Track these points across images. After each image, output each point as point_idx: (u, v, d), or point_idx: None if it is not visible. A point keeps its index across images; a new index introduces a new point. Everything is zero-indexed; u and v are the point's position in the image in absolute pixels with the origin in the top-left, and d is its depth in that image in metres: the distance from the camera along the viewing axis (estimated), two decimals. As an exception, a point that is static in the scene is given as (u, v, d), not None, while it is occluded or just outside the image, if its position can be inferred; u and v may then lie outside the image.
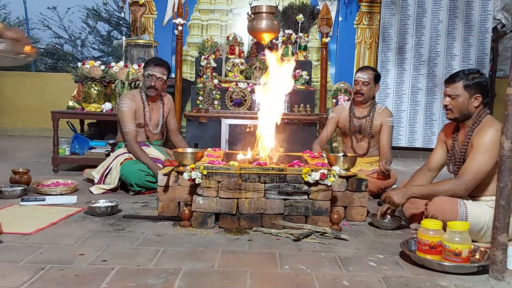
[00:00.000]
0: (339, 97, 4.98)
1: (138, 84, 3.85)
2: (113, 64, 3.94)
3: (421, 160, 5.07)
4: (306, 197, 2.16)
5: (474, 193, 2.05)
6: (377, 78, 3.12)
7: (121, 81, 3.87)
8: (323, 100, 4.32)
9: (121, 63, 3.99)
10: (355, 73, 3.16)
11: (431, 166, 2.31)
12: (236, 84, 4.25)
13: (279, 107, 2.52)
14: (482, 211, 1.97)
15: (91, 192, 2.91)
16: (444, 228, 1.75)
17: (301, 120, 4.13)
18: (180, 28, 4.10)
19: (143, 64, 4.08)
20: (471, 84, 2.03)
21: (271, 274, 1.63)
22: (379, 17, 5.07)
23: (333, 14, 4.87)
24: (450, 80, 2.09)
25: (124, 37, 4.92)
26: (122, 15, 5.60)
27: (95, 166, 3.18)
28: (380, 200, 2.82)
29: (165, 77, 3.13)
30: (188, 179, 2.15)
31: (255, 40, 4.65)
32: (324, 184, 2.16)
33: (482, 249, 1.79)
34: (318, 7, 5.15)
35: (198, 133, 4.05)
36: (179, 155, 2.41)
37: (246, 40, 4.90)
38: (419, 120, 4.99)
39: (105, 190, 2.96)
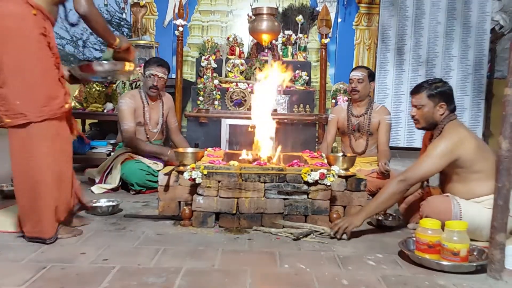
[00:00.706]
0: (338, 97, 4.99)
1: (139, 85, 3.87)
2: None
3: (420, 161, 5.09)
4: (305, 196, 2.18)
5: (469, 195, 2.06)
6: (371, 75, 3.22)
7: (122, 81, 3.88)
8: (322, 100, 4.34)
9: (122, 64, 3.99)
10: (350, 73, 3.24)
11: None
12: (236, 85, 4.27)
13: (272, 107, 2.59)
14: (476, 210, 1.98)
15: (92, 191, 2.93)
16: (443, 227, 1.77)
17: (301, 120, 4.15)
18: (180, 29, 4.12)
19: (143, 64, 4.09)
20: (434, 94, 2.09)
21: (271, 273, 1.64)
22: (378, 18, 5.09)
23: (332, 16, 4.89)
24: (415, 91, 2.15)
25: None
26: (124, 16, 5.60)
27: (97, 166, 3.19)
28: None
29: (166, 77, 3.17)
30: (189, 179, 2.16)
31: (255, 41, 4.66)
32: (324, 184, 2.17)
33: (480, 248, 1.81)
34: (317, 9, 5.17)
35: (198, 133, 4.06)
36: (179, 154, 2.42)
37: (246, 41, 4.92)
38: (418, 121, 5.01)
39: (106, 190, 2.97)
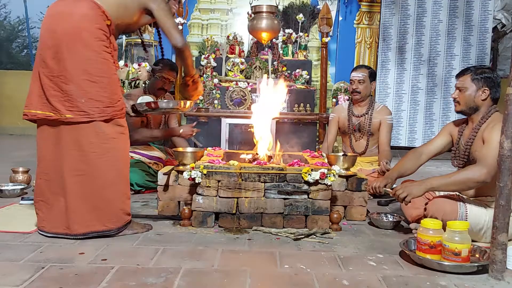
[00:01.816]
0: (339, 96, 4.98)
1: (138, 83, 3.86)
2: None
3: (421, 160, 5.08)
4: (306, 196, 2.16)
5: (475, 193, 2.05)
6: (372, 75, 3.16)
7: (121, 80, 3.88)
8: (323, 99, 4.33)
9: (121, 62, 3.99)
10: (350, 73, 3.20)
11: (426, 150, 2.29)
12: (236, 84, 4.25)
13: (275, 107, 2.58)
14: (482, 211, 1.97)
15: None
16: (444, 227, 1.75)
17: (301, 119, 4.13)
18: (180, 27, 4.11)
19: (142, 63, 4.07)
20: (479, 78, 2.06)
21: (271, 273, 1.63)
22: (379, 17, 5.07)
23: (333, 14, 4.88)
24: (460, 73, 2.14)
25: (124, 36, 4.91)
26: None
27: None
28: (380, 200, 2.83)
29: (174, 80, 3.21)
30: (188, 178, 2.15)
31: (255, 39, 4.65)
32: (324, 184, 2.16)
33: (482, 248, 1.79)
34: (318, 7, 5.15)
35: (198, 132, 4.05)
36: (179, 154, 2.41)
37: (246, 39, 4.91)
38: (419, 120, 4.99)
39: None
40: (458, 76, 2.15)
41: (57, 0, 1.95)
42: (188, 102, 2.29)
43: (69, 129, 1.88)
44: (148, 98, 2.34)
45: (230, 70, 4.45)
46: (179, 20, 4.12)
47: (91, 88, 1.86)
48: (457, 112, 2.15)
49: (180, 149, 2.59)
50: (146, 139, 3.10)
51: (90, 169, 1.89)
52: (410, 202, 2.03)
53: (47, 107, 1.88)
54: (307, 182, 2.15)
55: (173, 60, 3.75)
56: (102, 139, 1.90)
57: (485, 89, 2.05)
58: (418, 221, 2.13)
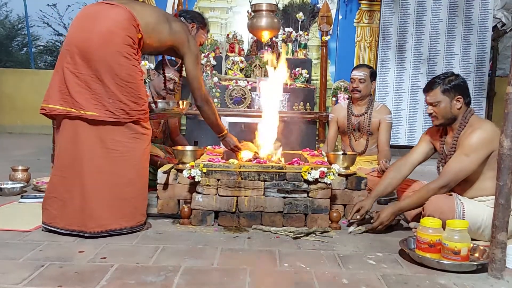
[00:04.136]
0: (339, 95, 4.97)
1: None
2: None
3: (420, 159, 5.08)
4: (305, 195, 2.16)
5: (469, 194, 2.05)
6: (373, 75, 3.15)
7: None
8: (323, 98, 4.32)
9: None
10: (351, 72, 3.19)
11: (408, 161, 2.29)
12: (236, 82, 4.25)
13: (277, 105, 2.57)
14: (479, 210, 1.97)
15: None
16: (443, 226, 1.75)
17: (301, 118, 4.13)
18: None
19: (142, 61, 4.05)
20: (449, 88, 2.05)
21: (271, 272, 1.63)
22: (379, 16, 5.06)
23: (333, 12, 4.87)
24: (428, 88, 2.10)
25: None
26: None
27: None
28: (380, 199, 2.83)
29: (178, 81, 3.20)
30: (188, 177, 2.15)
31: (255, 38, 4.64)
32: (324, 182, 2.16)
33: (481, 247, 1.80)
34: (318, 5, 5.14)
35: (197, 131, 4.05)
36: (179, 153, 2.41)
37: (246, 38, 4.89)
38: (419, 119, 4.99)
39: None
40: (426, 91, 2.11)
41: (94, 3, 2.02)
42: (184, 103, 2.35)
43: (91, 127, 1.91)
44: (161, 103, 2.35)
45: (229, 69, 4.45)
46: (178, 18, 4.11)
47: (119, 91, 1.90)
48: (437, 126, 2.14)
49: (180, 147, 2.59)
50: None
51: (112, 167, 1.92)
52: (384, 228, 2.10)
53: (68, 102, 1.90)
54: (306, 181, 2.15)
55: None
56: (126, 139, 1.94)
57: (458, 98, 2.05)
58: (417, 219, 2.13)
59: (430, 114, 2.12)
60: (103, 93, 1.89)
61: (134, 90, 1.94)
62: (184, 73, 2.37)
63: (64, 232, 1.92)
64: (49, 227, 1.95)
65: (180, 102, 2.34)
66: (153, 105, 2.24)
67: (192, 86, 2.24)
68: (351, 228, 2.14)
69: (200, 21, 2.35)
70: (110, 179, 1.92)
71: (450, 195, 2.06)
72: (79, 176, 1.90)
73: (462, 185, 2.05)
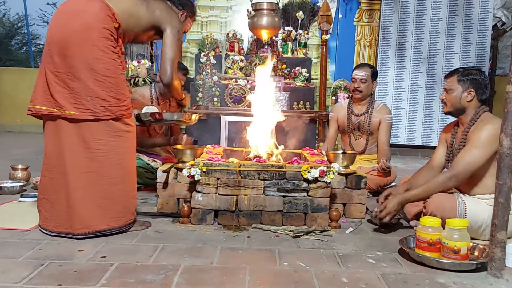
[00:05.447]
0: (338, 94, 4.97)
1: (138, 81, 3.84)
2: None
3: (420, 158, 5.08)
4: (305, 194, 2.16)
5: (474, 191, 2.05)
6: (374, 75, 3.14)
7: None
8: (322, 97, 4.33)
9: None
10: (353, 71, 3.18)
11: (434, 164, 2.30)
12: (236, 81, 4.25)
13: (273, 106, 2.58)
14: (481, 208, 1.97)
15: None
16: (443, 225, 1.75)
17: (301, 117, 4.13)
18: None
19: (142, 60, 4.05)
20: (465, 79, 2.07)
21: (270, 270, 1.63)
22: (379, 15, 5.06)
23: (333, 11, 4.87)
24: (449, 74, 2.15)
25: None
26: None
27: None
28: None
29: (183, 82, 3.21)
30: (188, 176, 2.15)
31: (255, 37, 4.64)
32: (324, 181, 2.16)
33: (481, 246, 1.80)
34: (318, 4, 5.14)
35: (197, 130, 4.05)
36: (178, 152, 2.41)
37: (246, 37, 4.89)
38: (419, 118, 4.99)
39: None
40: (446, 77, 2.16)
41: None
42: (194, 115, 2.36)
43: (72, 126, 1.87)
44: (153, 108, 2.36)
45: (229, 68, 4.45)
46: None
47: (97, 87, 1.85)
48: (445, 113, 2.17)
49: (180, 146, 2.59)
50: (148, 147, 3.08)
51: (96, 167, 1.88)
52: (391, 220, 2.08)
53: (51, 103, 1.87)
54: (306, 180, 2.15)
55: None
56: (108, 137, 1.89)
57: (470, 91, 2.06)
58: (417, 218, 2.13)
59: (442, 100, 2.15)
60: (82, 91, 1.84)
61: (114, 85, 1.87)
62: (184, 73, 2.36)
63: (52, 234, 1.90)
64: (42, 230, 1.95)
65: (187, 114, 2.37)
66: (169, 116, 2.33)
67: (164, 65, 2.08)
68: (350, 229, 2.14)
69: (189, 10, 2.27)
70: (94, 179, 1.88)
71: (452, 193, 2.06)
72: (64, 177, 1.88)
73: (468, 181, 2.05)
